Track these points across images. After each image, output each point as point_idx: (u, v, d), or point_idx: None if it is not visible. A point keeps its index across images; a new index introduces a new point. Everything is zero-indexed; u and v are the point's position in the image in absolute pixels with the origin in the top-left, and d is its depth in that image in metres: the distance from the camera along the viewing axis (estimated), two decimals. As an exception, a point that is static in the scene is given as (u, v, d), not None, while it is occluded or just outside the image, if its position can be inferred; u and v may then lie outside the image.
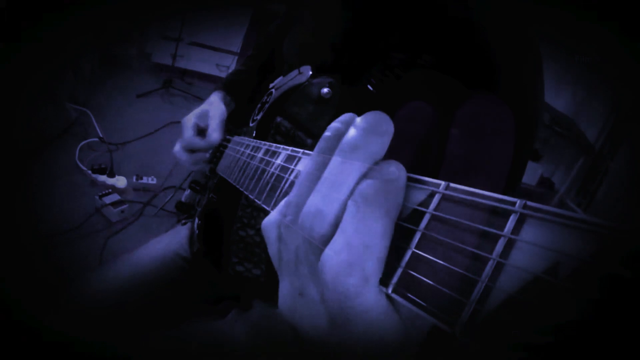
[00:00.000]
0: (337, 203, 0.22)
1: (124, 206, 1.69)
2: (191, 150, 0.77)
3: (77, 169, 1.88)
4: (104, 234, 1.60)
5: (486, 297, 0.16)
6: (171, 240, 0.81)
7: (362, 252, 0.20)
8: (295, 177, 0.31)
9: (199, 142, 0.76)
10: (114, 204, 1.67)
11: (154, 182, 1.91)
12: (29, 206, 1.58)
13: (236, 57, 3.21)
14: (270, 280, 0.60)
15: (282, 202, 0.26)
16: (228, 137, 0.71)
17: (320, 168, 0.24)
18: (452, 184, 0.20)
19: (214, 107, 0.79)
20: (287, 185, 0.31)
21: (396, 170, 0.21)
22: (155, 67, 3.21)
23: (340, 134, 0.24)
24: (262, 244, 0.58)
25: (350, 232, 0.20)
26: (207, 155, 0.77)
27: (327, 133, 0.24)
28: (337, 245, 0.20)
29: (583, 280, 0.14)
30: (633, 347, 0.12)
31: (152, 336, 0.63)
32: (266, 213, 0.29)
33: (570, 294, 0.14)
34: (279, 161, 0.35)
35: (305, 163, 0.25)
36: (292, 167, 0.32)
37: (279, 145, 0.38)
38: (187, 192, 0.85)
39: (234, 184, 0.49)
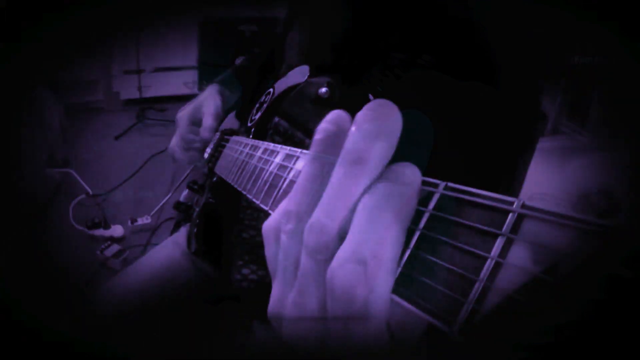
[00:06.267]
0: (344, 216, 0.20)
1: (125, 254, 1.74)
2: (186, 146, 0.75)
3: (75, 228, 1.91)
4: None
5: (484, 297, 0.16)
6: (175, 242, 0.81)
7: (372, 263, 0.19)
8: (295, 176, 0.31)
9: (192, 137, 0.74)
10: (115, 255, 1.72)
11: (149, 221, 1.94)
12: (40, 270, 1.56)
13: (196, 71, 3.11)
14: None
15: (281, 208, 0.24)
16: (226, 136, 0.70)
17: (320, 175, 0.22)
18: (450, 184, 0.20)
19: (208, 101, 0.76)
20: (285, 184, 0.31)
21: (411, 174, 0.20)
22: (126, 103, 3.12)
23: (332, 136, 0.22)
24: None
25: (359, 240, 0.19)
26: (202, 153, 0.74)
27: (317, 136, 0.22)
28: (346, 255, 0.19)
29: (583, 280, 0.13)
30: (633, 347, 0.12)
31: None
32: (267, 214, 0.28)
33: (570, 294, 0.14)
34: (277, 160, 0.35)
35: (303, 168, 0.23)
36: (290, 165, 0.32)
37: (277, 145, 0.38)
38: (186, 192, 0.85)
39: (232, 183, 0.49)
